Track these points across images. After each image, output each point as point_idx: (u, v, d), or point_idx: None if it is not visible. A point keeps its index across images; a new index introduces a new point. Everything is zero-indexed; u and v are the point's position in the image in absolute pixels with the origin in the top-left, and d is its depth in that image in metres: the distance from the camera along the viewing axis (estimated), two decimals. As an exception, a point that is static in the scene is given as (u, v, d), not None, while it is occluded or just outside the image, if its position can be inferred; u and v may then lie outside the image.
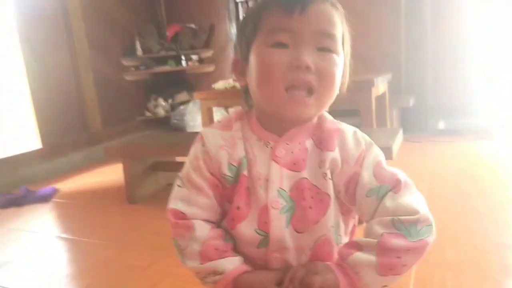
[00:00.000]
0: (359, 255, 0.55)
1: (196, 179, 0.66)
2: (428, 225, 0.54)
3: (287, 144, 0.63)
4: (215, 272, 0.61)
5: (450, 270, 1.28)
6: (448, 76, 3.22)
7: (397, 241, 0.53)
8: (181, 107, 4.10)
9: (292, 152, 0.62)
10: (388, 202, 0.57)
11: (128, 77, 4.01)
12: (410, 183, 0.61)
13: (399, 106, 3.13)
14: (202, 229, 0.64)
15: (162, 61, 4.11)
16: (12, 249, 1.81)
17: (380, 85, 2.48)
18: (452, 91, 3.23)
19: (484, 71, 3.09)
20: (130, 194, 2.27)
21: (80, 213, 2.22)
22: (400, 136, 1.82)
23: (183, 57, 4.06)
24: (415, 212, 0.55)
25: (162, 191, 2.40)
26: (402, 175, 0.59)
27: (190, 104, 4.06)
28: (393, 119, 3.04)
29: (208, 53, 4.19)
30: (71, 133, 3.31)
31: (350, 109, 2.97)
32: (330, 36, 0.57)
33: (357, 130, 0.66)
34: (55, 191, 2.60)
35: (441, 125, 3.23)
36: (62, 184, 2.79)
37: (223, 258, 0.61)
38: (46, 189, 2.60)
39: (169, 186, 2.49)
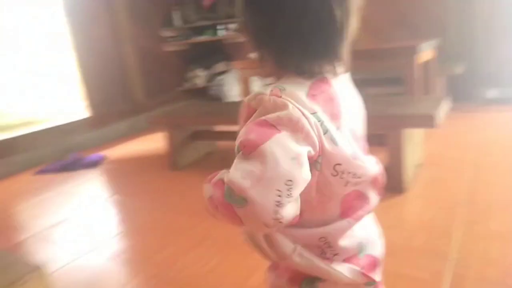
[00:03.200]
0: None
1: None
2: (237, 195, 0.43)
3: None
4: None
5: (496, 241, 1.25)
6: (500, 41, 3.01)
7: (217, 193, 0.46)
8: (219, 77, 4.13)
9: None
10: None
11: (167, 48, 4.06)
12: (251, 146, 0.45)
13: (446, 73, 2.98)
14: None
15: (200, 31, 4.12)
16: (65, 210, 1.96)
17: (425, 52, 2.37)
18: (504, 57, 3.02)
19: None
20: (173, 161, 2.35)
21: (127, 178, 2.34)
22: (445, 105, 1.75)
23: (220, 26, 4.05)
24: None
25: (202, 160, 2.47)
26: (245, 137, 0.46)
27: (228, 74, 4.07)
28: (440, 87, 2.91)
29: (245, 22, 4.13)
30: (116, 103, 3.45)
31: (395, 76, 2.89)
32: None
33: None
34: (102, 158, 2.74)
35: (492, 93, 3.06)
36: (109, 151, 2.93)
37: None
38: (94, 155, 2.75)
39: (208, 154, 2.57)
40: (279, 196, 0.43)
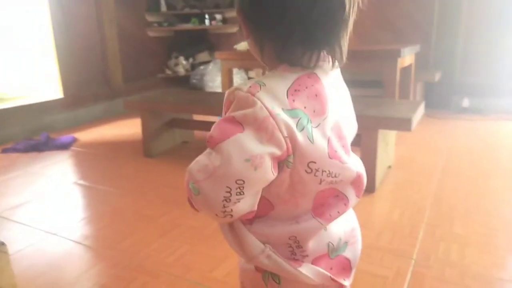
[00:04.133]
0: None
1: None
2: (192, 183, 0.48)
3: None
4: None
5: (456, 243, 1.29)
6: (478, 54, 3.09)
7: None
8: (201, 67, 4.08)
9: None
10: None
11: (151, 33, 3.99)
12: (213, 142, 0.48)
13: (424, 80, 3.04)
14: None
15: (186, 18, 4.06)
16: (30, 191, 1.89)
17: (407, 57, 2.41)
18: (481, 69, 3.11)
19: (517, 50, 2.95)
20: (146, 148, 2.31)
21: (98, 163, 2.29)
22: (421, 109, 1.79)
23: (206, 16, 4.00)
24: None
25: (178, 148, 2.44)
26: (211, 132, 0.48)
27: (211, 65, 4.03)
28: (416, 93, 2.97)
29: (232, 13, 4.10)
30: (92, 86, 3.36)
31: (374, 79, 2.92)
32: None
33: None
34: (74, 140, 2.67)
35: (465, 103, 3.14)
36: (82, 134, 2.86)
37: None
38: (66, 137, 2.67)
39: (185, 143, 2.54)
40: (228, 193, 0.46)
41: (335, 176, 0.52)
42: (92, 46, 3.35)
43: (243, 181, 0.46)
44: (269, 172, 0.47)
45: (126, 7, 3.62)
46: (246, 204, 0.49)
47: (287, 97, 0.47)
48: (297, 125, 0.47)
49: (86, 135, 2.84)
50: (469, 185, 1.76)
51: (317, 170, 0.49)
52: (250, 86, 0.48)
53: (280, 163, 0.48)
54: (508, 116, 2.90)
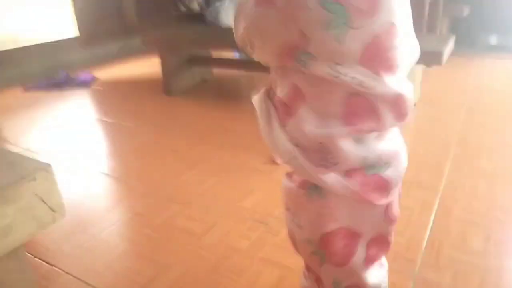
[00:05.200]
0: None
1: None
2: None
3: None
4: None
5: (483, 178, 1.29)
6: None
7: None
8: (217, 3, 3.92)
9: None
10: None
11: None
12: None
13: (452, 14, 2.88)
14: None
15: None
16: (56, 128, 1.93)
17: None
18: (508, 4, 2.92)
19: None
20: (166, 85, 2.30)
21: (119, 100, 2.30)
22: (451, 44, 1.71)
23: None
24: None
25: (197, 86, 2.42)
26: None
27: (227, 1, 3.87)
28: (443, 28, 2.83)
29: None
30: (106, 22, 3.27)
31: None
32: None
33: None
34: (94, 79, 2.66)
35: (494, 40, 2.99)
36: (100, 72, 2.84)
37: None
38: (85, 75, 2.67)
39: (204, 82, 2.52)
40: None
41: (367, 88, 0.48)
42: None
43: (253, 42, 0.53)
44: None
45: None
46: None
47: None
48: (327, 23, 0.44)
49: (105, 74, 2.82)
50: (496, 123, 1.73)
51: (343, 74, 0.47)
52: None
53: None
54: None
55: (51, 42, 2.91)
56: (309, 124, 0.52)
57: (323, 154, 0.53)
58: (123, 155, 1.61)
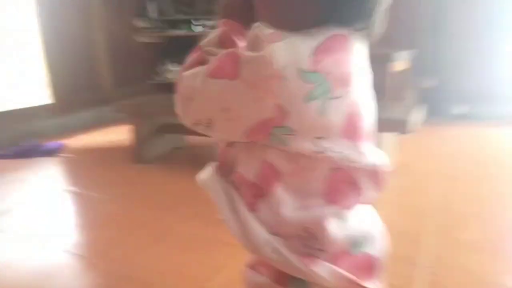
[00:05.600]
0: None
1: None
2: None
3: None
4: None
5: (463, 249, 1.25)
6: (471, 60, 3.10)
7: None
8: (193, 73, 4.03)
9: None
10: None
11: (140, 39, 3.93)
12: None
13: (419, 86, 3.03)
14: None
15: (176, 24, 4.02)
16: (18, 198, 1.81)
17: (400, 61, 2.39)
18: (474, 75, 3.11)
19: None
20: (137, 154, 2.25)
21: (87, 169, 2.21)
22: (420, 113, 1.76)
23: (197, 22, 3.96)
24: None
25: (169, 154, 2.37)
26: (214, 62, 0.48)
27: (202, 71, 3.98)
28: (412, 99, 2.95)
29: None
30: (82, 91, 3.28)
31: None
32: None
33: None
34: (62, 146, 2.59)
35: (462, 109, 3.14)
36: (70, 140, 2.77)
37: None
38: (53, 143, 2.59)
39: (176, 149, 2.47)
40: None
41: (352, 162, 0.45)
42: (81, 51, 3.28)
43: (211, 120, 0.46)
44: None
45: (114, 12, 3.57)
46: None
47: (309, 58, 0.40)
48: (308, 93, 0.40)
49: (75, 142, 2.75)
50: (474, 190, 1.73)
51: (329, 150, 0.43)
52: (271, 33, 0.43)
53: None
54: (507, 121, 2.89)
55: (21, 108, 2.85)
56: (287, 206, 0.46)
57: (306, 240, 0.47)
58: (86, 229, 1.50)
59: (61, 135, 2.89)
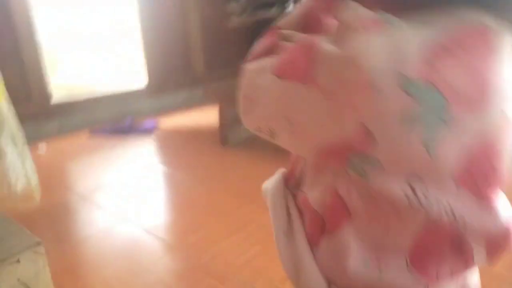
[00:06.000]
0: None
1: None
2: None
3: None
4: None
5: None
6: None
7: None
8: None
9: None
10: None
11: (231, 22, 3.93)
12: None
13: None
14: None
15: (268, 6, 3.93)
16: (111, 174, 1.93)
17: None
18: None
19: None
20: (223, 136, 2.25)
21: (175, 149, 2.29)
22: None
23: (288, 2, 3.83)
24: None
25: (254, 138, 2.32)
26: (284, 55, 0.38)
27: (293, 53, 3.87)
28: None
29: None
30: (175, 73, 3.40)
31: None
32: None
33: None
34: (156, 126, 2.71)
35: None
36: (163, 120, 2.90)
37: None
38: (148, 122, 2.73)
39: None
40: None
41: (460, 221, 0.30)
42: (175, 34, 3.39)
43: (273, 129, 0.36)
44: None
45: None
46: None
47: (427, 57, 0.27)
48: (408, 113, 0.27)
49: (167, 122, 2.87)
50: None
51: (428, 199, 0.29)
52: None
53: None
54: None
55: (120, 92, 3.06)
56: (354, 257, 0.33)
57: None
58: (168, 211, 1.53)
59: (155, 115, 3.03)
